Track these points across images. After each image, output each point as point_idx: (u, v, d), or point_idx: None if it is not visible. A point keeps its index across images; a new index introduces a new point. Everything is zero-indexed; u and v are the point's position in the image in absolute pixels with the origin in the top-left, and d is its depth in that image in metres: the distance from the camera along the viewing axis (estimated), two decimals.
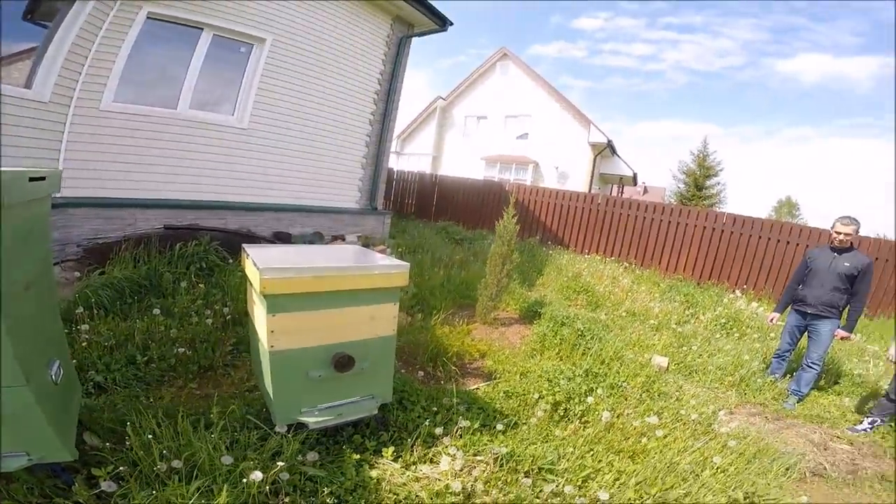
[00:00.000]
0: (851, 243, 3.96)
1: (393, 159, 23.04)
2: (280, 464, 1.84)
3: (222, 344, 3.21)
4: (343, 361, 2.04)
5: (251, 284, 2.16)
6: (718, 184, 28.62)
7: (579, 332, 4.49)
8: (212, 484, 1.75)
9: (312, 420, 2.05)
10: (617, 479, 2.38)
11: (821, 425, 3.77)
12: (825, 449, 3.42)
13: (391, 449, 2.25)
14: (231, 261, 4.62)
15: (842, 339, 4.00)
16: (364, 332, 2.14)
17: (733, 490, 2.44)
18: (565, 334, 4.46)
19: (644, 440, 2.80)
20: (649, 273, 8.51)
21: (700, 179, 28.15)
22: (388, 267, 2.20)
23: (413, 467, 2.22)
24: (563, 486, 2.20)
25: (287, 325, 1.91)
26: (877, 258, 7.11)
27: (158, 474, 1.81)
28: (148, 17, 4.72)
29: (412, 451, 2.30)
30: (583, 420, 3.03)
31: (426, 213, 12.13)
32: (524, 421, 2.93)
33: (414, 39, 7.83)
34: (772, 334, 5.61)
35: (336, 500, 1.87)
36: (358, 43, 6.89)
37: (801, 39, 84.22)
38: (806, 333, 4.21)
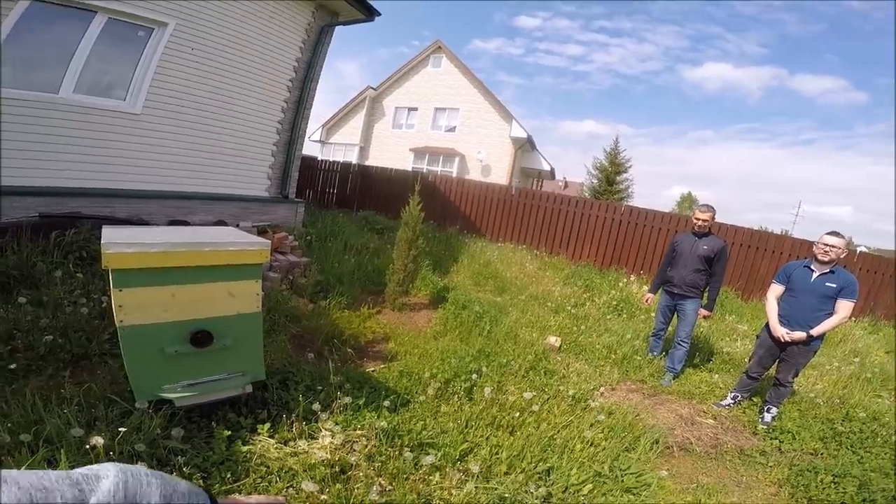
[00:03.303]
0: (709, 228, 4.41)
1: (317, 149, 22.44)
2: (120, 429, 1.85)
3: (99, 332, 3.07)
4: (200, 337, 2.03)
5: None
6: (627, 179, 30.85)
7: (478, 315, 4.74)
8: (57, 453, 1.76)
9: (175, 396, 2.05)
10: (493, 453, 2.52)
11: (690, 401, 4.08)
12: (692, 424, 3.65)
13: (267, 426, 2.30)
14: None
15: (704, 317, 4.44)
16: (223, 309, 2.14)
17: (601, 464, 2.63)
18: (465, 317, 4.69)
19: (519, 415, 2.94)
20: (557, 260, 9.06)
21: (611, 175, 30.07)
22: (245, 244, 2.16)
23: (291, 443, 2.27)
24: (441, 459, 2.29)
25: (137, 301, 1.89)
26: (733, 243, 8.24)
27: (6, 447, 1.81)
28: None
29: (291, 428, 2.36)
30: (469, 396, 3.17)
31: (349, 204, 11.99)
32: (415, 398, 3.04)
33: (355, 28, 7.69)
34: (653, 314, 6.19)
35: (200, 472, 1.91)
36: (274, 29, 6.63)
37: (713, 48, 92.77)
38: (675, 313, 4.59)
